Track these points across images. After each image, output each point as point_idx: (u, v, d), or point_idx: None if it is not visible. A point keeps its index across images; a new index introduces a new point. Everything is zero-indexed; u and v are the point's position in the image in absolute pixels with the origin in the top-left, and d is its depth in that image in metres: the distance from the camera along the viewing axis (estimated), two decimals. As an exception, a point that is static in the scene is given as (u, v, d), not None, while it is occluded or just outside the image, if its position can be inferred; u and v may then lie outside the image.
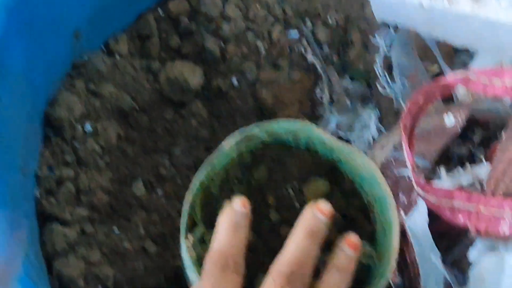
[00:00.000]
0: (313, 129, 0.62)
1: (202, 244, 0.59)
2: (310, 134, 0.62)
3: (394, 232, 0.59)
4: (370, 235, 0.62)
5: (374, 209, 0.63)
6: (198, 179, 0.60)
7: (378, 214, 0.63)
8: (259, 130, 0.62)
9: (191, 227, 0.60)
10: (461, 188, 0.68)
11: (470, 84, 0.70)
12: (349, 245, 0.57)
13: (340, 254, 0.56)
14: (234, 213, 0.56)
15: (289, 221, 0.60)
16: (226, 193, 0.61)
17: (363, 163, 0.62)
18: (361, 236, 0.60)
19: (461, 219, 0.66)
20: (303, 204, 0.61)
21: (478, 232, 0.65)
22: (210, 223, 0.59)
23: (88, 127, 0.79)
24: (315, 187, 0.63)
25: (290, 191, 0.63)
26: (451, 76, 0.71)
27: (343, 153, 0.63)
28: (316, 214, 0.56)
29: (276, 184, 0.63)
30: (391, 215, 0.60)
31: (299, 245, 0.54)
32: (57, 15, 0.76)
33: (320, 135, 0.62)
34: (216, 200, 0.61)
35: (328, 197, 0.61)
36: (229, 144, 0.61)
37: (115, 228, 0.77)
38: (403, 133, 0.70)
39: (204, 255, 0.56)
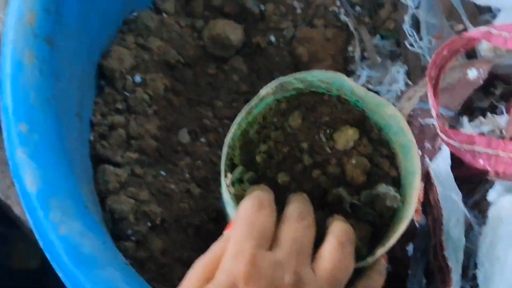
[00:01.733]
0: (345, 79, 0.61)
1: (241, 183, 0.59)
2: (342, 83, 0.62)
3: (416, 177, 0.59)
4: (396, 180, 0.62)
5: (399, 157, 0.63)
6: (237, 123, 0.60)
7: (403, 161, 0.62)
8: (294, 79, 0.61)
9: (231, 168, 0.60)
10: (482, 134, 0.69)
11: (492, 38, 0.71)
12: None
13: None
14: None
15: (320, 165, 0.61)
16: (263, 138, 0.62)
17: (391, 113, 0.61)
18: (387, 182, 0.62)
19: (481, 163, 0.67)
20: (333, 149, 0.62)
21: (497, 174, 0.66)
22: (248, 165, 0.60)
23: (138, 78, 0.80)
24: (345, 135, 0.62)
25: (322, 137, 0.62)
26: (474, 31, 0.72)
27: (372, 103, 0.62)
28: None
29: (309, 130, 0.62)
30: (414, 162, 0.59)
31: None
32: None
33: (351, 85, 0.61)
34: (254, 144, 0.62)
35: (357, 144, 0.63)
36: (266, 92, 0.60)
37: (162, 172, 0.78)
38: (428, 83, 0.70)
39: (242, 193, 0.57)
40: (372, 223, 0.60)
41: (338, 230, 0.55)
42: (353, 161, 0.61)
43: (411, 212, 0.58)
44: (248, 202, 0.55)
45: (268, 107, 0.63)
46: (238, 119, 0.60)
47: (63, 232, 0.61)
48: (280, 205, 0.56)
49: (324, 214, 0.59)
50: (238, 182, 0.60)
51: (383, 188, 0.61)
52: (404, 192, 0.62)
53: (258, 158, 0.61)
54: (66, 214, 0.62)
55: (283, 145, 0.62)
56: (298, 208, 0.56)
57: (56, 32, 0.68)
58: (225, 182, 0.59)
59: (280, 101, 0.63)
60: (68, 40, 0.71)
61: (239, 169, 0.60)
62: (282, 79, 0.61)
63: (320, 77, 0.62)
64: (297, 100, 0.64)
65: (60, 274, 0.61)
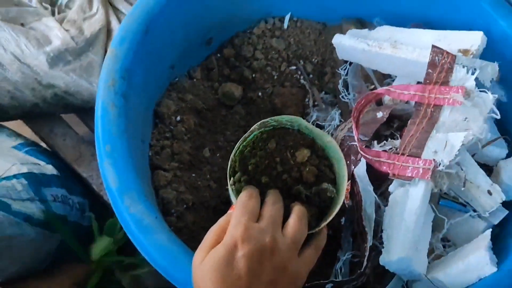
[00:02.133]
0: (301, 120, 0.62)
1: (239, 183, 0.60)
2: (300, 122, 0.62)
3: (345, 178, 0.60)
4: (333, 180, 0.63)
5: (335, 166, 0.63)
6: (237, 146, 0.60)
7: (337, 168, 0.63)
8: (271, 120, 0.62)
9: (233, 173, 0.60)
10: (385, 151, 0.68)
11: (390, 93, 0.71)
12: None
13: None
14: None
15: (287, 171, 0.62)
16: (253, 155, 0.61)
17: (329, 140, 0.62)
18: (328, 181, 0.62)
19: (384, 168, 0.66)
20: (295, 162, 0.62)
21: (394, 175, 0.65)
22: (243, 171, 0.60)
23: (178, 118, 0.79)
24: (302, 153, 0.62)
25: (288, 154, 0.62)
26: (380, 89, 0.72)
27: (318, 134, 0.63)
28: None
29: (280, 150, 0.62)
30: (344, 169, 0.60)
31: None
32: (161, 57, 0.77)
33: (305, 123, 0.62)
34: (247, 158, 0.61)
35: (309, 159, 0.63)
36: (254, 127, 0.60)
37: (193, 174, 0.77)
38: (353, 121, 0.71)
39: (240, 189, 0.58)
40: (318, 207, 0.61)
41: (297, 210, 0.57)
42: (307, 169, 0.62)
43: (342, 199, 0.59)
44: (244, 194, 0.56)
45: (256, 136, 0.63)
46: (238, 143, 0.61)
47: (132, 211, 0.62)
48: (262, 196, 0.58)
49: (289, 202, 0.59)
50: (237, 182, 0.60)
51: (325, 185, 0.61)
52: (338, 188, 0.62)
53: (250, 167, 0.61)
54: (134, 201, 0.63)
55: (265, 159, 0.62)
56: (273, 198, 0.57)
57: (128, 90, 0.68)
58: (229, 182, 0.60)
59: (263, 133, 0.63)
60: (136, 95, 0.71)
61: (238, 174, 0.60)
62: (264, 120, 0.62)
63: (287, 119, 0.63)
64: (273, 132, 0.63)
65: (130, 237, 0.63)
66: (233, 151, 0.61)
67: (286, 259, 0.52)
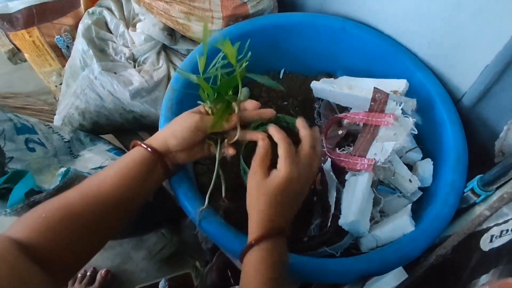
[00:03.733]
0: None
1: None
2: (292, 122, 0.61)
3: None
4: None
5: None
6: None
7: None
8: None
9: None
10: (343, 153, 0.69)
11: (347, 117, 0.71)
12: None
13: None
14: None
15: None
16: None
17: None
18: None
19: (342, 164, 0.67)
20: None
21: (348, 168, 0.66)
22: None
23: None
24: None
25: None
26: (340, 115, 0.73)
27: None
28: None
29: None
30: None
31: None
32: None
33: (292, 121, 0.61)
34: None
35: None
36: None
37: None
38: (323, 135, 0.72)
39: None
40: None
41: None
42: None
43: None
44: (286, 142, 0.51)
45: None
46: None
47: (183, 191, 0.61)
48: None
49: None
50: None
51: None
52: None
53: None
54: (183, 181, 0.62)
55: None
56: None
57: (180, 112, 0.66)
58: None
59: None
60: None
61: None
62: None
63: (289, 120, 0.63)
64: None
65: (181, 206, 0.61)
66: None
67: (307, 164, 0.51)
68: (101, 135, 0.98)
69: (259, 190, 0.48)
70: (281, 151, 0.49)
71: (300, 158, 0.51)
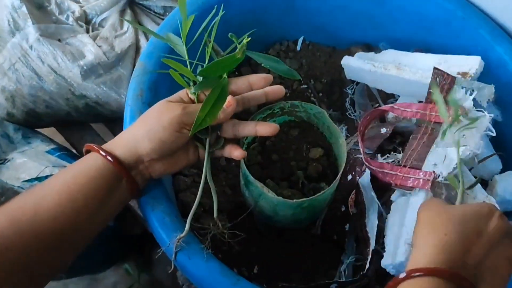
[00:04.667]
0: (327, 116, 0.64)
1: (251, 149, 0.65)
2: (325, 116, 0.64)
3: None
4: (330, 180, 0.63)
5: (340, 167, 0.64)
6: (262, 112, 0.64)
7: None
8: (302, 107, 0.66)
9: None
10: (388, 163, 0.68)
11: (394, 111, 0.71)
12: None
13: None
14: None
15: (297, 160, 0.67)
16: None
17: (342, 141, 0.63)
18: (326, 183, 0.65)
19: (387, 179, 0.66)
20: (307, 155, 0.67)
21: (396, 185, 0.65)
22: (260, 142, 0.66)
23: None
24: (316, 150, 0.65)
25: (304, 146, 0.65)
26: (384, 106, 0.72)
27: (335, 131, 0.64)
28: None
29: (299, 140, 0.66)
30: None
31: None
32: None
33: (328, 120, 0.64)
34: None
35: (320, 158, 0.65)
36: (285, 105, 0.65)
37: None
38: (359, 135, 0.71)
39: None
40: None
41: None
42: (314, 164, 0.63)
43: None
44: None
45: (284, 121, 0.68)
46: (264, 110, 0.65)
47: (158, 216, 0.61)
48: (269, 170, 0.67)
49: (286, 185, 0.65)
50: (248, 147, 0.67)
51: (323, 185, 0.65)
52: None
53: (267, 142, 0.67)
54: (157, 201, 0.62)
55: (282, 142, 0.68)
56: None
57: (154, 100, 0.67)
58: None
59: (291, 121, 0.67)
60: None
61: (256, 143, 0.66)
62: (295, 102, 0.65)
63: (316, 111, 0.64)
64: (300, 123, 0.67)
65: (154, 234, 0.61)
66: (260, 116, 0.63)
67: None
68: (38, 129, 0.97)
69: (445, 215, 0.47)
70: None
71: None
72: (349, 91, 0.86)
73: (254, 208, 0.65)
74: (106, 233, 0.89)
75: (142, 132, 0.54)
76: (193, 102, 0.60)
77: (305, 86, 0.89)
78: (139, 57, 0.72)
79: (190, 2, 0.75)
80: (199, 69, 0.59)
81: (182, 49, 0.59)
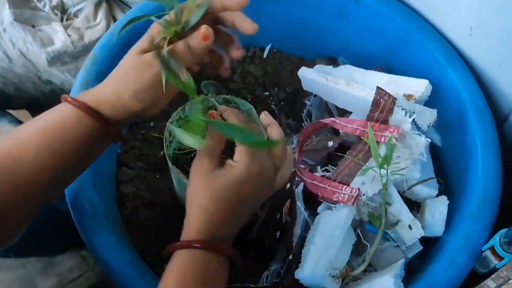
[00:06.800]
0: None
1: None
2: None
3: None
4: None
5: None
6: None
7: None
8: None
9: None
10: (323, 176, 0.69)
11: (335, 125, 0.72)
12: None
13: None
14: None
15: None
16: None
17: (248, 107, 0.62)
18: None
19: (316, 190, 0.67)
20: None
21: (323, 198, 0.66)
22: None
23: (152, 124, 0.82)
24: None
25: None
26: (325, 120, 0.73)
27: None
28: None
29: None
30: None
31: None
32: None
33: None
34: None
35: None
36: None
37: (157, 176, 0.78)
38: (297, 145, 0.72)
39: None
40: None
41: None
42: None
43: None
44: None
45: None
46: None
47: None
48: None
49: None
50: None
51: None
52: None
53: None
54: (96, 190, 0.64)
55: None
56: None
57: None
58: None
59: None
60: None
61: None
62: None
63: (246, 107, 0.63)
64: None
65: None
66: None
67: None
68: (9, 110, 0.99)
69: (205, 181, 0.48)
70: None
71: (265, 153, 0.50)
72: (308, 102, 0.86)
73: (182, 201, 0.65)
74: (54, 216, 0.90)
75: (129, 94, 0.50)
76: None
77: (268, 93, 0.91)
78: (93, 48, 0.73)
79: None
80: None
81: None
